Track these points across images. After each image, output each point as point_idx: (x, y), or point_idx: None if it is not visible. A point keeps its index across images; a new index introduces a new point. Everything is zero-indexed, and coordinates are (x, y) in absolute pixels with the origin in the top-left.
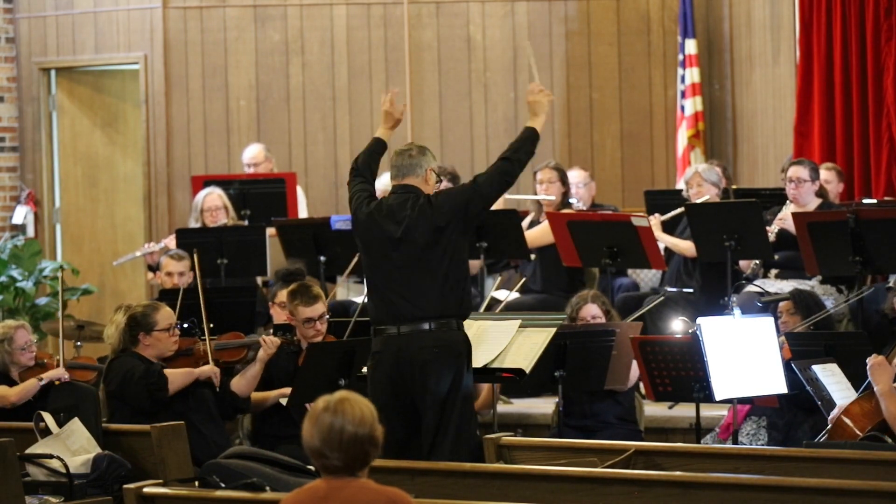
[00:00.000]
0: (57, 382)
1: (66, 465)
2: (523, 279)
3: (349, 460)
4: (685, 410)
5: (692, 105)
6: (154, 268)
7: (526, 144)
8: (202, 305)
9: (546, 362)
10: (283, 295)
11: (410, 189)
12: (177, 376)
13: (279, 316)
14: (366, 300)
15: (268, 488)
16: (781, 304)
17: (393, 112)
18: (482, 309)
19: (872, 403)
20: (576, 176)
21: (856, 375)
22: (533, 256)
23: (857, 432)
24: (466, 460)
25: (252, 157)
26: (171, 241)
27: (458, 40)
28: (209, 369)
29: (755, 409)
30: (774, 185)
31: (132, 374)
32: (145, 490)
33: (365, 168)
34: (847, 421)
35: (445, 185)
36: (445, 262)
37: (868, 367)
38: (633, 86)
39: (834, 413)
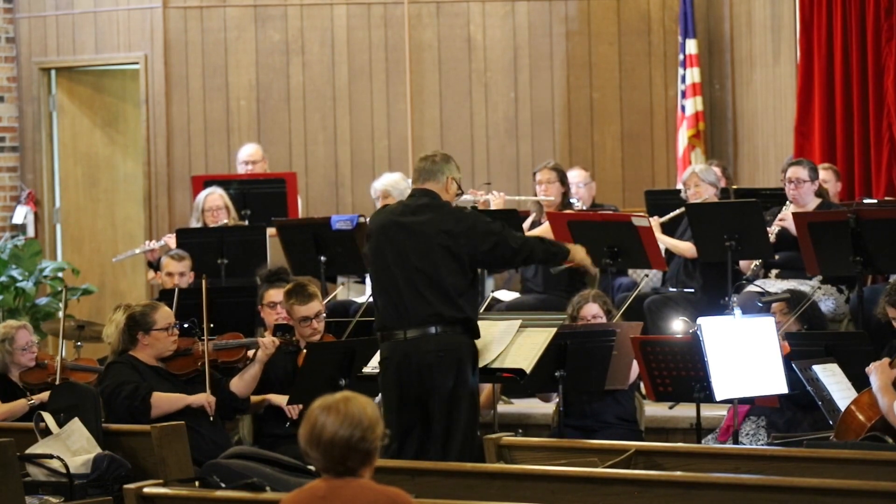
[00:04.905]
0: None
1: (66, 465)
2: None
3: (326, 462)
4: (685, 410)
5: (693, 105)
6: (154, 265)
7: (550, 251)
8: (204, 315)
9: (546, 362)
10: (269, 296)
11: (429, 194)
12: (164, 401)
13: (269, 317)
14: (370, 302)
15: (268, 488)
16: (774, 304)
17: None
18: (482, 309)
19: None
20: (576, 176)
21: (856, 375)
22: None
23: (864, 421)
24: (475, 461)
25: (250, 154)
26: (171, 240)
27: (458, 40)
28: (203, 397)
29: (755, 409)
30: (775, 185)
31: (119, 391)
32: (145, 490)
33: None
34: (855, 410)
35: (466, 198)
36: (455, 266)
37: (870, 366)
38: (633, 86)
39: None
